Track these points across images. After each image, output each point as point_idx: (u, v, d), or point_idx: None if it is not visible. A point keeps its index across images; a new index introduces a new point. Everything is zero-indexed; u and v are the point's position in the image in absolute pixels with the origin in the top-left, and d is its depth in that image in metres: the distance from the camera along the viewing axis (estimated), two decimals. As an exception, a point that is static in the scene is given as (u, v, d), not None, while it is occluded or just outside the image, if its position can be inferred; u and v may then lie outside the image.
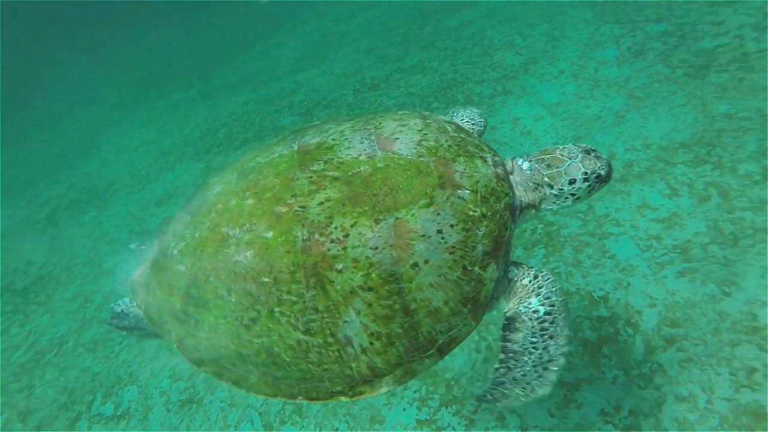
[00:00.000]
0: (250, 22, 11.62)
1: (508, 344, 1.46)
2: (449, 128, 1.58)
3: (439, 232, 1.33)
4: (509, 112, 4.58)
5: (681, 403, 2.30)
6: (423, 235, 1.31)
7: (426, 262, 1.31)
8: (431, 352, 1.38)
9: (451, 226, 1.34)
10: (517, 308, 1.48)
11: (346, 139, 1.49)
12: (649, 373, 2.44)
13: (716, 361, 2.37)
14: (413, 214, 1.32)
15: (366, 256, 1.29)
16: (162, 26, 15.29)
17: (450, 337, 1.38)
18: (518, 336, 1.44)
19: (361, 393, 1.38)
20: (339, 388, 1.37)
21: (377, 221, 1.30)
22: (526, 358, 1.42)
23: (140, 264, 1.68)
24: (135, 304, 1.66)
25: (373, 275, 1.29)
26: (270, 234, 1.33)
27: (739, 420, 2.17)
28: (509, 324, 1.48)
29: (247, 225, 1.36)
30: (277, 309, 1.32)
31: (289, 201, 1.35)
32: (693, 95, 4.00)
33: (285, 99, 6.52)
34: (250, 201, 1.39)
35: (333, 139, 1.50)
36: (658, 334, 2.57)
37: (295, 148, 1.50)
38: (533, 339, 1.43)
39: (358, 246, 1.29)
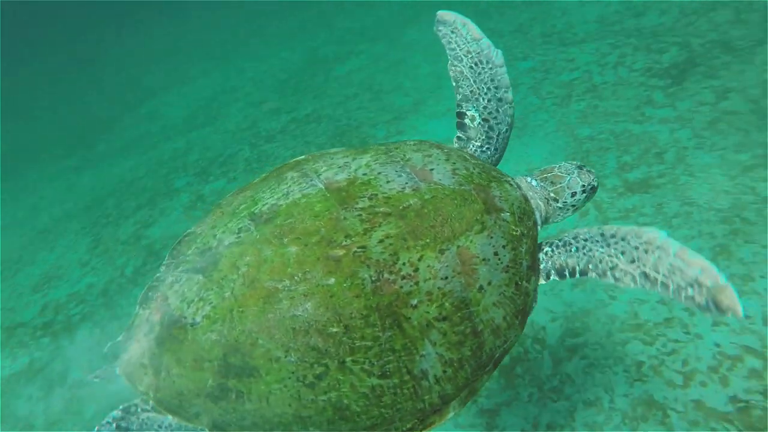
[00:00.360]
0: (133, 79, 11.17)
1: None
2: (467, 156, 1.62)
3: (496, 254, 1.39)
4: (403, 151, 4.77)
5: (589, 407, 2.42)
6: (484, 259, 1.36)
7: (489, 283, 1.36)
8: (489, 367, 1.42)
9: (503, 247, 1.40)
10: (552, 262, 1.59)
11: (380, 173, 1.44)
12: (560, 385, 2.56)
13: (612, 362, 2.56)
14: (471, 241, 1.36)
15: (438, 287, 1.29)
16: (30, 85, 14.14)
17: (504, 350, 1.45)
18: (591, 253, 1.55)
19: (431, 424, 1.37)
20: (409, 425, 1.34)
21: (442, 251, 1.31)
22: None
23: (128, 343, 1.37)
24: (140, 391, 1.33)
25: (447, 305, 1.30)
26: (332, 280, 1.25)
27: (636, 412, 2.34)
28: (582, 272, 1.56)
29: (299, 275, 1.25)
30: (349, 358, 1.24)
31: (344, 243, 1.28)
32: (562, 122, 4.47)
33: (178, 160, 6.28)
34: (294, 248, 1.28)
35: (364, 174, 1.43)
36: (562, 346, 2.72)
37: (322, 186, 1.41)
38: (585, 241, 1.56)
39: (430, 279, 1.29)
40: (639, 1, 6.03)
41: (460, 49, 1.86)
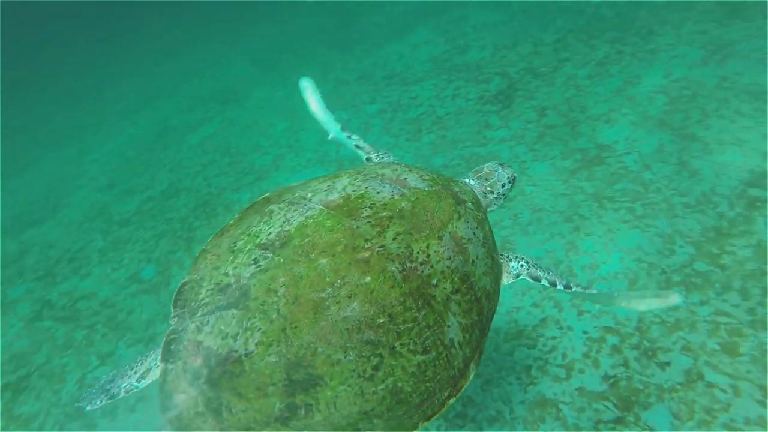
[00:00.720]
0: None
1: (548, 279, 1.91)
2: (413, 166, 1.86)
3: (474, 234, 1.64)
4: (272, 210, 4.68)
5: (494, 423, 2.49)
6: (469, 239, 1.61)
7: (477, 257, 1.61)
8: (487, 329, 1.65)
9: (476, 228, 1.67)
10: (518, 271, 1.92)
11: (367, 187, 1.63)
12: (463, 410, 2.60)
13: (505, 373, 2.68)
14: (456, 227, 1.60)
15: (447, 266, 1.50)
16: None
17: (493, 313, 1.69)
18: (539, 274, 1.92)
19: (461, 388, 1.53)
20: (446, 393, 1.48)
21: (440, 238, 1.54)
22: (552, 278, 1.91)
23: (171, 400, 1.32)
24: None
25: (456, 279, 1.51)
26: (368, 279, 1.38)
27: (534, 415, 2.46)
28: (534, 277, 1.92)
29: (338, 281, 1.37)
30: (397, 343, 1.37)
31: (366, 246, 1.43)
32: (417, 155, 4.75)
33: (12, 266, 5.41)
34: (324, 260, 1.40)
35: (354, 191, 1.61)
36: (457, 370, 2.78)
37: (321, 207, 1.55)
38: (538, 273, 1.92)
39: (440, 261, 1.50)
40: (461, 41, 6.78)
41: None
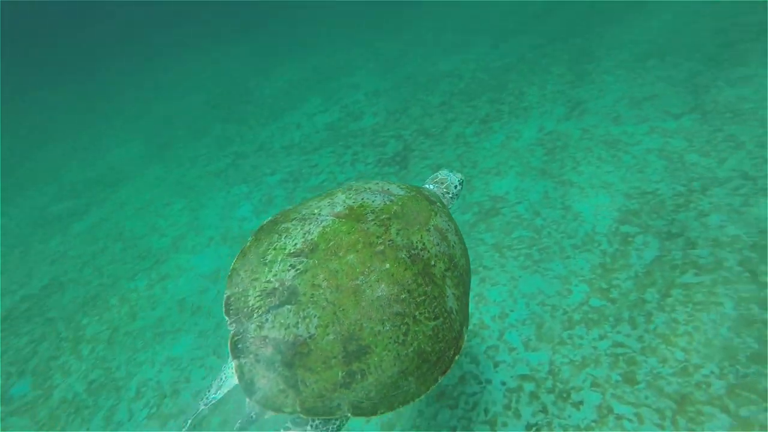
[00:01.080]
0: None
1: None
2: (391, 181, 2.18)
3: (449, 225, 1.99)
4: (171, 296, 4.34)
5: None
6: (446, 229, 1.95)
7: (455, 243, 1.95)
8: (467, 299, 1.96)
9: (448, 221, 2.01)
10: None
11: (363, 198, 1.95)
12: (394, 488, 2.46)
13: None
14: (436, 221, 1.93)
15: (439, 251, 1.84)
16: None
17: (469, 288, 2.01)
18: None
19: (461, 346, 1.81)
20: (452, 351, 1.77)
21: (428, 230, 1.87)
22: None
23: (254, 386, 1.62)
24: (288, 412, 1.60)
25: (446, 260, 1.84)
26: (387, 265, 1.71)
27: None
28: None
29: (366, 270, 1.69)
30: (417, 312, 1.68)
31: (380, 241, 1.76)
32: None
33: None
34: (351, 256, 1.71)
35: (354, 202, 1.92)
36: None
37: (332, 218, 1.85)
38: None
39: (432, 247, 1.83)
40: (355, 108, 7.08)
41: None
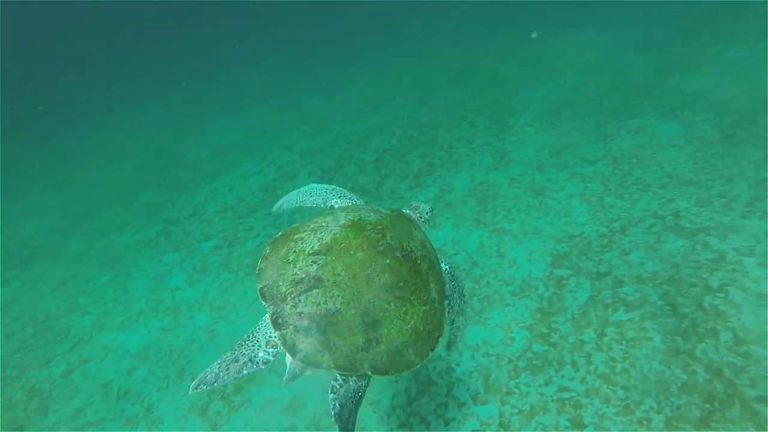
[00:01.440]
0: None
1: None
2: (375, 206, 2.55)
3: (425, 238, 2.38)
4: (94, 381, 3.94)
5: None
6: (424, 240, 2.35)
7: (431, 251, 2.34)
8: (443, 294, 2.32)
9: (425, 236, 2.40)
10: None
11: (361, 214, 2.31)
12: None
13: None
14: (416, 234, 2.33)
15: (421, 254, 2.23)
16: None
17: (444, 290, 2.37)
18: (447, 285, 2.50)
19: (442, 331, 2.18)
20: (437, 333, 2.15)
21: (412, 239, 2.27)
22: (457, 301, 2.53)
23: (297, 348, 1.97)
24: (324, 367, 1.97)
25: (428, 260, 2.24)
26: (388, 261, 2.11)
27: None
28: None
29: (373, 263, 2.09)
30: (412, 297, 2.09)
31: (380, 244, 2.16)
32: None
33: None
34: (360, 254, 2.11)
35: (353, 218, 2.28)
36: None
37: (339, 228, 2.22)
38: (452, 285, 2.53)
39: (417, 251, 2.23)
40: (289, 168, 7.09)
41: None
